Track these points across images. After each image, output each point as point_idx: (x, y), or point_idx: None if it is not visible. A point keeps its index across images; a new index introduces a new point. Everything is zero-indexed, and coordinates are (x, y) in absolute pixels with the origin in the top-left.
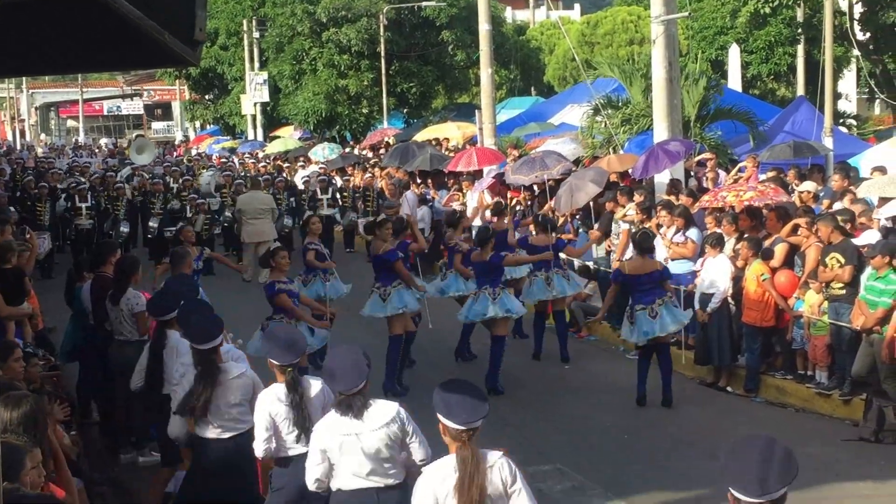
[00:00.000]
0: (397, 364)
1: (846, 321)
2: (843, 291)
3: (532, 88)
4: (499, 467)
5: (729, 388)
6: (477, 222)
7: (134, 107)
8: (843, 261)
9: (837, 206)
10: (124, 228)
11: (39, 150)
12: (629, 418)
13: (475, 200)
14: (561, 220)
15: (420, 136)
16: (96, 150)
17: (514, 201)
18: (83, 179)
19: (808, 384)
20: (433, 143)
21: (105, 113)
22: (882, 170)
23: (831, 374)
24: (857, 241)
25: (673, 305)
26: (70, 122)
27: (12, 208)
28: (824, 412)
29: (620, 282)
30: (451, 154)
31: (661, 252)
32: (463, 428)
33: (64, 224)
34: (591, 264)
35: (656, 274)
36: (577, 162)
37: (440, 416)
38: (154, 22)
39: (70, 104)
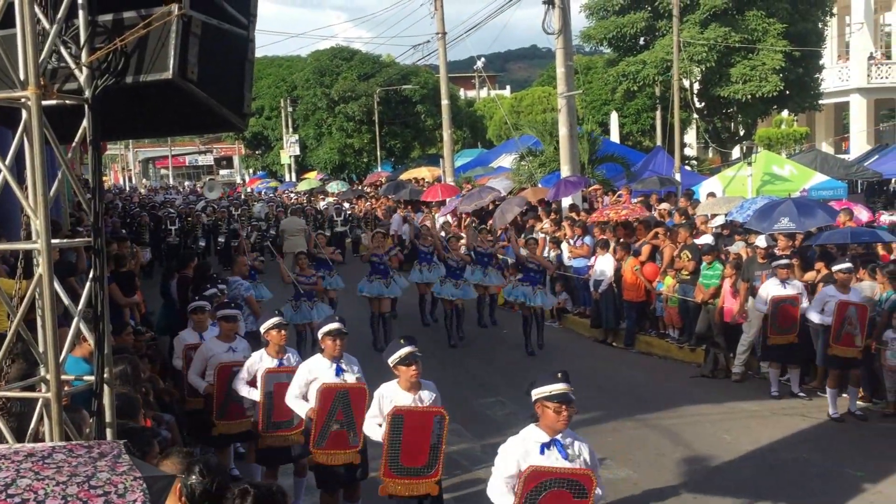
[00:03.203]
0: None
1: (691, 296)
2: (689, 277)
3: (478, 143)
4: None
5: (614, 344)
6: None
7: (207, 159)
8: (690, 256)
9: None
10: (202, 243)
11: (142, 191)
12: (547, 365)
13: (441, 220)
14: (499, 231)
15: (403, 177)
16: (181, 189)
17: (467, 220)
18: (172, 210)
19: (667, 339)
20: (413, 181)
21: (187, 164)
22: (713, 195)
23: (682, 332)
24: (697, 242)
25: (545, 293)
26: (163, 171)
27: (124, 230)
28: (678, 358)
29: (521, 263)
30: (425, 188)
31: (565, 252)
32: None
33: (158, 241)
34: None
35: (541, 264)
36: (511, 192)
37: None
38: (216, 101)
39: (163, 158)
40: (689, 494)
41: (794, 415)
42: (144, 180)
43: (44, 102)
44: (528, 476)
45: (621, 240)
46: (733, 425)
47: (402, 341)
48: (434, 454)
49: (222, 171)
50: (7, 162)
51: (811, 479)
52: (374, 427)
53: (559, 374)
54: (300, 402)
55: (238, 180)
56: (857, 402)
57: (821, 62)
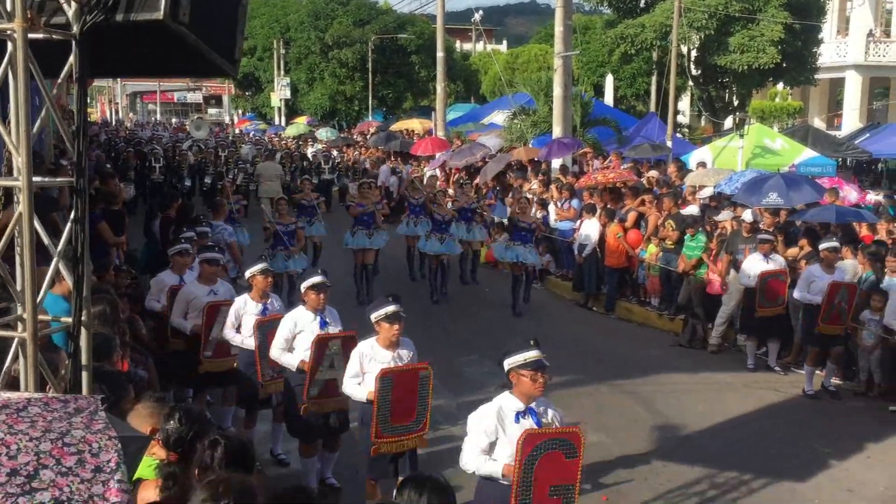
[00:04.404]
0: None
1: (674, 266)
2: (673, 247)
3: (472, 97)
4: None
5: (594, 308)
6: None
7: (196, 97)
8: (674, 226)
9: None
10: (187, 183)
11: (128, 125)
12: (527, 326)
13: (429, 173)
14: (485, 189)
15: (394, 127)
16: (168, 126)
17: (456, 175)
18: (158, 147)
19: (647, 307)
20: (403, 132)
21: (175, 100)
22: (703, 164)
23: (662, 300)
24: (683, 212)
25: (535, 252)
26: (150, 106)
27: (108, 165)
28: (656, 326)
29: (511, 223)
30: (415, 140)
31: (552, 214)
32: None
33: (143, 178)
34: (505, 221)
35: (532, 223)
36: (501, 150)
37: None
38: (207, 46)
39: (151, 93)
40: (658, 462)
41: (768, 389)
42: (131, 114)
43: (30, 35)
44: (525, 440)
45: (607, 205)
46: (707, 396)
47: (389, 298)
48: (422, 410)
49: (211, 110)
50: None
51: (779, 454)
52: (354, 386)
53: (531, 342)
54: (286, 354)
55: (227, 120)
56: (832, 379)
57: (820, 36)
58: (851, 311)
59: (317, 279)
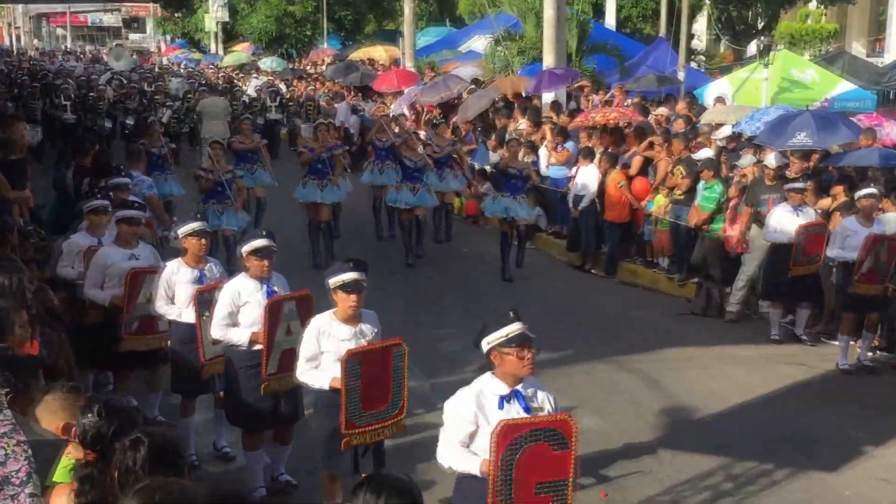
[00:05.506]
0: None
1: (684, 220)
2: (683, 197)
3: (447, 19)
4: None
5: (593, 271)
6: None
7: (114, 20)
8: (685, 173)
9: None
10: (108, 124)
11: (32, 54)
12: (513, 292)
13: (396, 112)
14: (463, 129)
15: (354, 56)
16: (81, 56)
17: (428, 114)
18: (69, 82)
19: (655, 269)
20: (366, 62)
21: (89, 24)
22: (721, 100)
23: (672, 261)
24: (695, 156)
25: (529, 204)
26: (59, 31)
27: (10, 104)
28: (665, 291)
29: (499, 170)
30: (379, 72)
31: (543, 158)
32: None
33: (51, 119)
34: (487, 167)
35: (524, 170)
36: (477, 82)
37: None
38: None
39: (59, 15)
40: (666, 451)
41: (793, 363)
42: (36, 41)
43: None
44: (502, 432)
45: (608, 149)
46: (722, 372)
47: (349, 263)
48: (397, 392)
49: (132, 36)
50: None
51: (806, 439)
52: (311, 373)
53: (511, 314)
54: (232, 330)
55: (152, 48)
56: (868, 353)
57: None
58: (892, 269)
59: (259, 242)
